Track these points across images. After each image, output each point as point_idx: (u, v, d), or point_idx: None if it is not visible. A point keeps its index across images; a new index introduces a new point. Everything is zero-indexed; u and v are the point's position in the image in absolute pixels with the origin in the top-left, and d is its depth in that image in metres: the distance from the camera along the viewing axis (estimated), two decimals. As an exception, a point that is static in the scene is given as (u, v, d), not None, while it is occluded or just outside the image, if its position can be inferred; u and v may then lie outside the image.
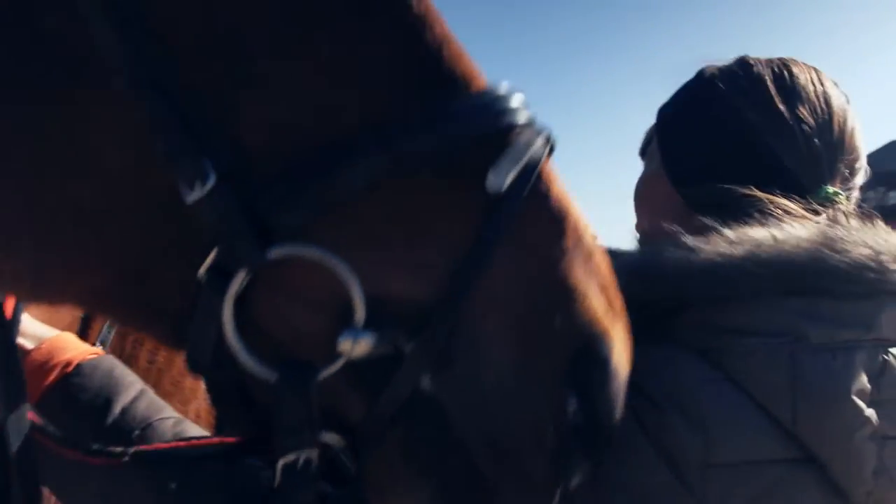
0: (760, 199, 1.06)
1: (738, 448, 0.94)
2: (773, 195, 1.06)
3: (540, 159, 0.77)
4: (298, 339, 0.78)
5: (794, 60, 1.21)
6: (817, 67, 1.21)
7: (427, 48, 0.76)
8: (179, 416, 1.14)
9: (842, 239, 0.99)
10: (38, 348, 1.15)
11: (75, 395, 1.09)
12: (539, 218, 0.77)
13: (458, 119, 0.75)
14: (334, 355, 0.75)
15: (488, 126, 0.76)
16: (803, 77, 1.17)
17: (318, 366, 0.76)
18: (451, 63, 0.77)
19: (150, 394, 1.15)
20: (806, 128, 1.12)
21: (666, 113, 1.28)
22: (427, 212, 0.75)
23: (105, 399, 1.09)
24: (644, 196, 1.31)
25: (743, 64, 1.21)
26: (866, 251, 0.98)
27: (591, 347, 0.76)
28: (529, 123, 0.78)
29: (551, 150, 0.80)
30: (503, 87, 0.79)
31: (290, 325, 0.77)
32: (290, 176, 0.72)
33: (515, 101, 0.78)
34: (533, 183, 0.75)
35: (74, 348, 1.17)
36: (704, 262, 1.00)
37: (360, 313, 0.74)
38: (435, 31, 0.77)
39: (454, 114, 0.75)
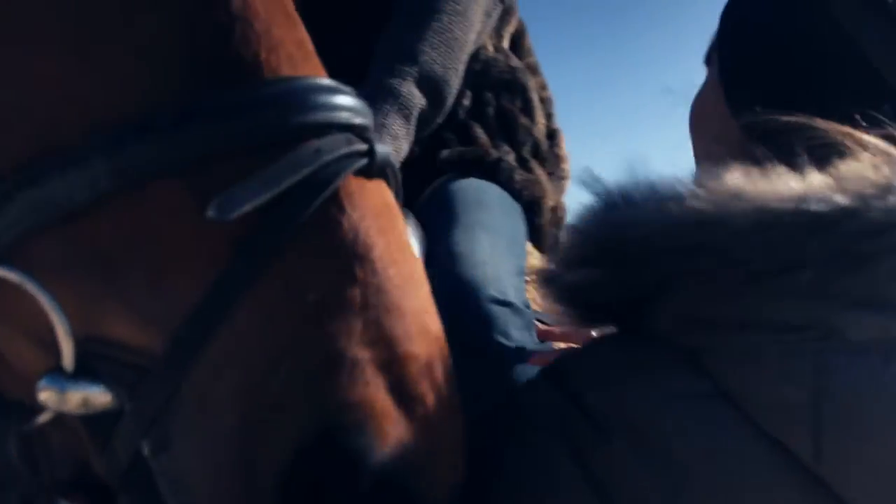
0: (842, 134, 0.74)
1: (727, 496, 0.62)
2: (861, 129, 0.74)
3: (332, 176, 0.57)
4: (13, 377, 0.63)
5: None
6: None
7: (198, 23, 0.58)
8: None
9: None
10: None
11: None
12: (304, 257, 0.56)
13: (218, 118, 0.56)
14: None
15: (258, 128, 0.57)
16: None
17: (30, 413, 0.60)
18: (239, 46, 0.58)
19: None
20: None
21: (733, 17, 0.99)
22: (164, 240, 0.57)
23: None
24: (698, 115, 1.03)
25: None
26: None
27: (332, 440, 0.53)
28: (332, 126, 0.59)
29: (371, 164, 0.61)
30: (320, 80, 0.60)
31: (4, 359, 0.63)
32: None
33: (327, 96, 0.59)
34: (318, 208, 0.56)
35: None
36: (693, 217, 0.66)
37: (66, 357, 0.57)
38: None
39: (215, 110, 0.56)
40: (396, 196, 0.67)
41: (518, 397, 0.83)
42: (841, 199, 0.64)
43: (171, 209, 0.56)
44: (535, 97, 1.68)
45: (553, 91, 1.80)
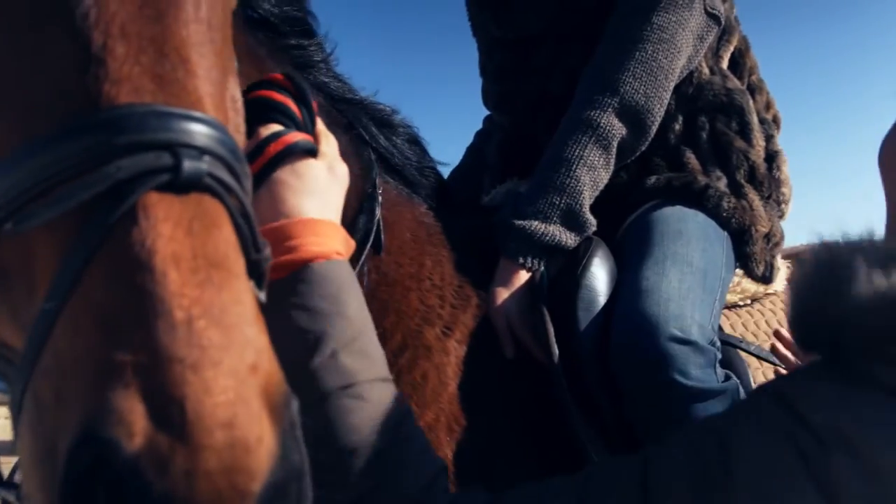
0: None
1: None
2: None
3: (128, 193, 0.60)
4: None
5: None
6: None
7: (54, 65, 0.64)
8: (389, 377, 1.01)
9: None
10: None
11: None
12: (100, 269, 0.60)
13: (51, 146, 0.61)
14: None
15: (78, 153, 0.61)
16: None
17: None
18: (87, 82, 0.63)
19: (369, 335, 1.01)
20: None
21: None
22: (21, 260, 0.64)
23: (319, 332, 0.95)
24: (886, 158, 1.01)
25: None
26: None
27: (88, 441, 0.55)
28: (142, 145, 0.62)
29: (176, 179, 0.62)
30: (144, 106, 0.63)
31: None
32: None
33: (148, 120, 0.63)
34: (117, 223, 0.60)
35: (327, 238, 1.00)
36: None
37: None
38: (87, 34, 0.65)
39: (50, 140, 0.62)
40: (238, 209, 0.68)
41: (741, 414, 0.92)
42: None
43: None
44: (753, 119, 1.62)
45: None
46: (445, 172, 1.63)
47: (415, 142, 1.50)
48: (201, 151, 0.64)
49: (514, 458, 1.29)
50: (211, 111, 0.69)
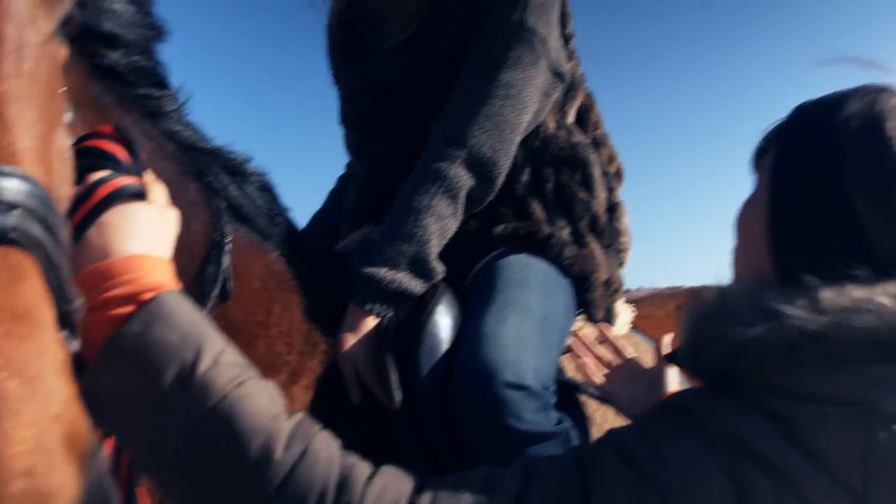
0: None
1: None
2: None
3: None
4: None
5: None
6: None
7: None
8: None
9: None
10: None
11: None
12: None
13: None
14: None
15: None
16: None
17: None
18: None
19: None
20: None
21: (776, 140, 1.11)
22: None
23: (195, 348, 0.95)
24: (742, 223, 1.15)
25: (868, 116, 1.02)
26: None
27: None
28: None
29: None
30: None
31: None
32: None
33: None
34: None
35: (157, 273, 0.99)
36: (788, 333, 0.93)
37: None
38: None
39: None
40: (47, 261, 0.69)
41: (655, 421, 1.04)
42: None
43: None
44: (596, 172, 1.72)
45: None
46: (298, 216, 1.65)
47: (266, 189, 1.51)
48: (9, 206, 0.66)
49: None
50: (28, 164, 0.71)
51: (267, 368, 1.32)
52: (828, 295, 0.93)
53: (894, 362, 0.91)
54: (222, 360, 0.97)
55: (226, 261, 1.30)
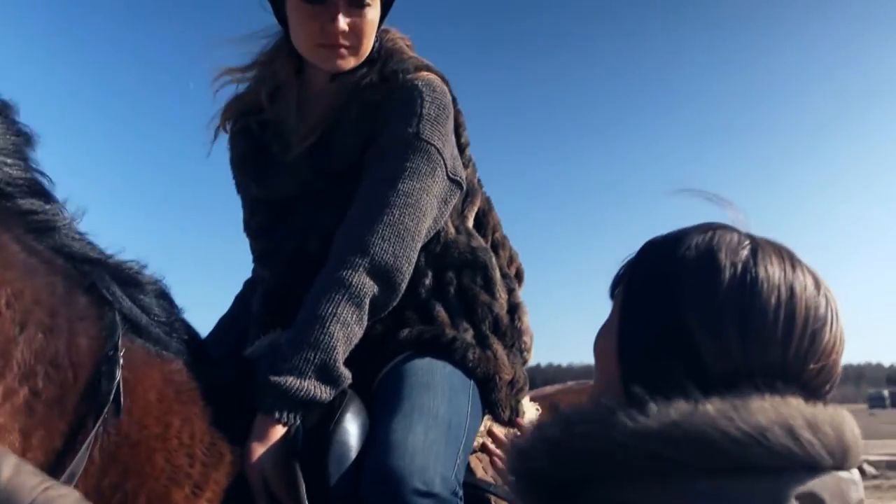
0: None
1: None
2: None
3: None
4: None
5: (767, 244, 1.09)
6: (792, 254, 1.09)
7: None
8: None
9: (744, 407, 0.94)
10: None
11: None
12: None
13: None
14: None
15: None
16: (768, 270, 1.05)
17: None
18: None
19: None
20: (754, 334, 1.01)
21: (627, 272, 1.18)
22: None
23: None
24: (598, 347, 1.20)
25: (704, 251, 1.08)
26: (771, 416, 0.93)
27: None
28: None
29: None
30: None
31: None
32: None
33: None
34: None
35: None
36: (616, 439, 0.95)
37: None
38: None
39: None
40: None
41: None
42: (712, 417, 0.93)
43: None
44: (496, 274, 1.78)
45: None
46: (206, 320, 1.64)
47: (163, 296, 1.51)
48: None
49: None
50: None
51: (168, 482, 1.30)
52: (657, 405, 0.95)
53: (717, 475, 0.92)
54: (24, 469, 1.01)
55: (118, 374, 1.29)
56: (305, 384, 1.43)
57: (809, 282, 1.05)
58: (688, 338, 1.03)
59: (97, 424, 1.25)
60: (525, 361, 1.82)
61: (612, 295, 1.20)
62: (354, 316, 1.51)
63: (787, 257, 1.07)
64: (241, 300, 2.04)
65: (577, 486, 0.99)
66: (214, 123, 1.88)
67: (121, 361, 1.31)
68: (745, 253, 1.06)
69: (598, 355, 1.20)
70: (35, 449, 1.21)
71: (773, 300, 1.02)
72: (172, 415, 1.38)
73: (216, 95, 1.87)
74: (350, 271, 1.52)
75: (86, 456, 1.23)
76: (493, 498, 1.63)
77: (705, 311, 1.03)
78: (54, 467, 1.21)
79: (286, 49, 1.78)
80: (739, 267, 1.05)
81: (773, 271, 1.04)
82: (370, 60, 1.75)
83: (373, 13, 1.68)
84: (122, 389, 1.29)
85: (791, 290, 1.03)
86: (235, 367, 1.64)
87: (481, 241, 1.83)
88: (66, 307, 1.29)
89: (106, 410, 1.26)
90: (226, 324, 1.98)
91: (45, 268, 1.29)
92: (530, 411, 1.84)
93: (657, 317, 1.07)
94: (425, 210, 1.63)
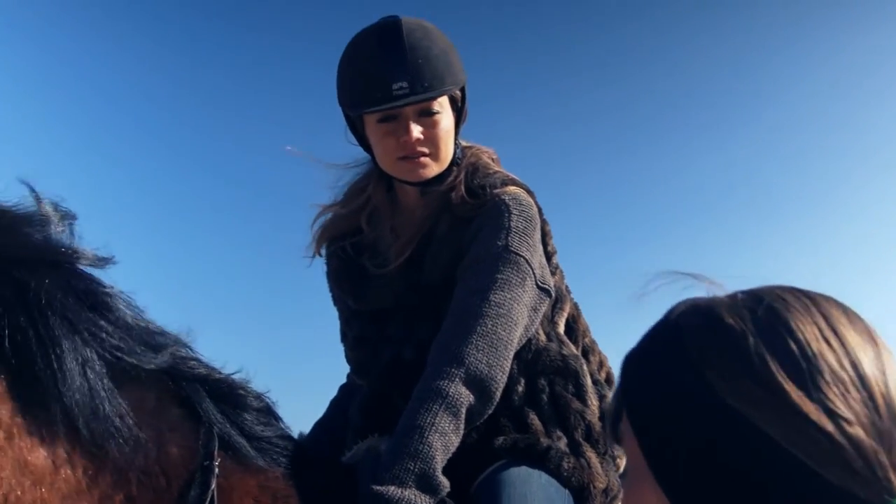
0: None
1: None
2: None
3: None
4: None
5: (781, 293, 0.86)
6: (821, 303, 0.85)
7: None
8: None
9: None
10: None
11: None
12: None
13: None
14: None
15: None
16: (806, 332, 0.81)
17: None
18: None
19: None
20: (842, 416, 0.76)
21: (632, 386, 0.93)
22: None
23: None
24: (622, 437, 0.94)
25: (712, 318, 0.86)
26: None
27: None
28: None
29: None
30: None
31: None
32: None
33: None
34: None
35: None
36: None
37: None
38: None
39: None
40: None
41: None
42: None
43: None
44: (587, 381, 1.81)
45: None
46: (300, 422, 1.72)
47: (267, 411, 1.60)
48: None
49: None
50: None
51: None
52: None
53: None
54: None
55: (212, 482, 1.37)
56: (406, 493, 1.46)
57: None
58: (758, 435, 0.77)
59: None
60: (619, 469, 1.83)
61: (615, 440, 0.96)
62: (452, 425, 1.55)
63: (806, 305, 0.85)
64: (336, 404, 2.11)
65: None
66: (311, 250, 2.01)
67: (216, 470, 1.39)
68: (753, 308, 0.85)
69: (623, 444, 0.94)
70: None
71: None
72: None
73: (315, 228, 2.01)
74: (446, 381, 1.58)
75: None
76: None
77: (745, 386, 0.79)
78: None
79: (377, 174, 1.90)
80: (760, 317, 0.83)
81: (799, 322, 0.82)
82: (454, 166, 1.84)
83: (445, 119, 1.79)
84: (216, 495, 1.37)
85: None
86: (333, 473, 1.70)
87: (572, 347, 1.87)
88: (154, 419, 1.38)
89: None
90: (321, 429, 2.04)
91: (135, 384, 1.38)
92: (624, 518, 1.84)
93: (690, 413, 0.82)
94: (517, 319, 1.68)
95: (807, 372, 0.78)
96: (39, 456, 1.20)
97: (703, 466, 0.81)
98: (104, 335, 1.32)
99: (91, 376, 1.27)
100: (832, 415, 0.76)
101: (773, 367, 0.79)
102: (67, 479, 1.23)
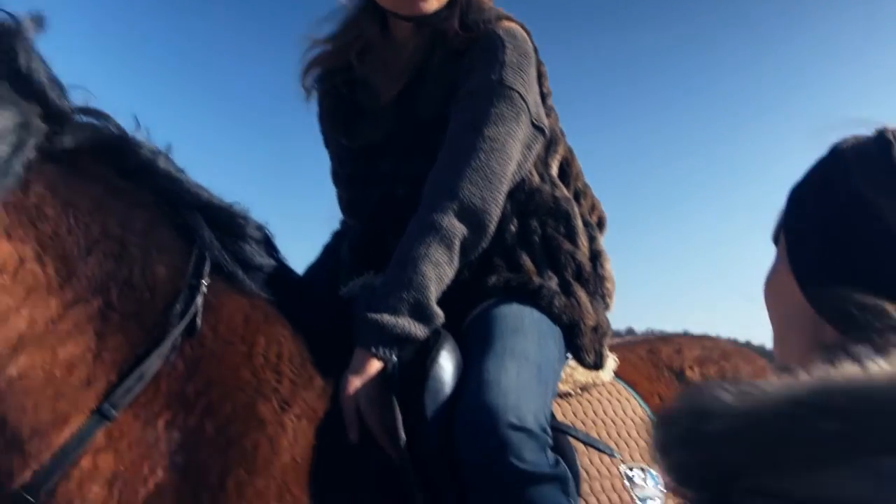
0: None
1: None
2: None
3: None
4: None
5: None
6: None
7: None
8: None
9: None
10: None
11: None
12: None
13: None
14: None
15: None
16: None
17: None
18: None
19: None
20: None
21: (794, 195, 1.02)
22: None
23: None
24: (770, 295, 1.05)
25: (881, 142, 0.92)
26: None
27: None
28: None
29: None
30: None
31: None
32: None
33: None
34: None
35: None
36: (767, 418, 0.72)
37: None
38: None
39: None
40: None
41: None
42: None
43: None
44: (578, 223, 1.81)
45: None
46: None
47: (266, 242, 1.61)
48: None
49: None
50: None
51: (254, 394, 1.39)
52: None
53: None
54: None
55: (198, 300, 1.40)
56: (400, 321, 1.48)
57: None
58: (869, 208, 0.87)
59: (173, 335, 1.36)
60: (607, 307, 1.85)
61: (777, 240, 1.05)
62: (445, 257, 1.56)
63: None
64: (328, 250, 2.10)
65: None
66: (303, 84, 1.95)
67: (203, 289, 1.42)
68: None
69: (770, 302, 1.04)
70: (112, 350, 1.33)
71: None
72: (259, 334, 1.47)
73: (304, 60, 1.93)
74: (440, 214, 1.57)
75: (157, 362, 1.34)
76: (571, 439, 1.68)
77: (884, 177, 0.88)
78: (133, 366, 1.33)
79: (371, 8, 1.82)
80: None
81: None
82: (450, 4, 1.76)
83: None
84: (201, 309, 1.40)
85: None
86: (329, 305, 1.72)
87: (564, 190, 1.85)
88: (141, 239, 1.41)
89: (180, 330, 1.37)
90: (314, 271, 2.04)
91: (124, 205, 1.42)
92: (611, 359, 1.88)
93: (829, 201, 0.93)
94: (511, 154, 1.66)
95: None
96: (4, 250, 1.25)
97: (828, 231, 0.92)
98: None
99: None
100: None
101: None
102: (35, 274, 1.28)
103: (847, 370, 0.72)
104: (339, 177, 1.95)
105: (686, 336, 2.31)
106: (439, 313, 1.54)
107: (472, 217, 1.60)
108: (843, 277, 0.88)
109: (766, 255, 1.07)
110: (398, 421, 1.41)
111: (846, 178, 0.92)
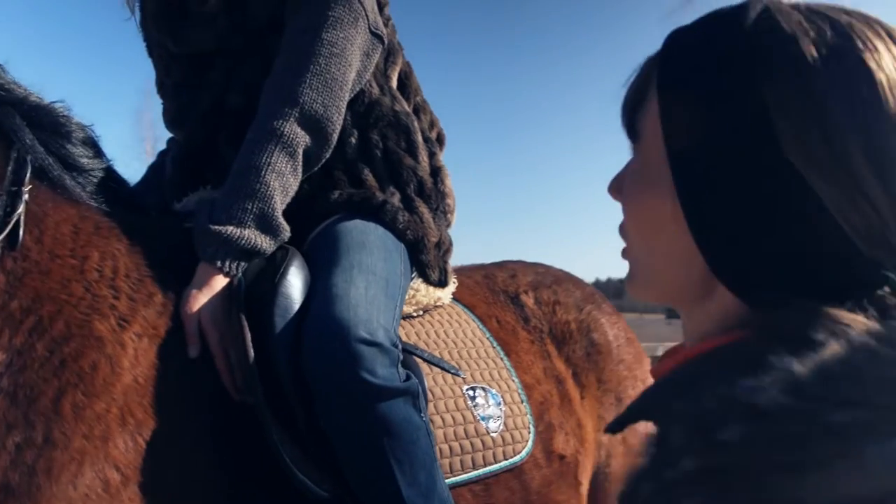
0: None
1: None
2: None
3: None
4: None
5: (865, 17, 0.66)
6: None
7: None
8: None
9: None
10: None
11: None
12: None
13: None
14: None
15: None
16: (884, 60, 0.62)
17: None
18: None
19: None
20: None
21: (674, 57, 0.72)
22: None
23: None
24: (634, 210, 0.77)
25: (770, 22, 0.65)
26: None
27: None
28: None
29: None
30: None
31: None
32: None
33: None
34: None
35: None
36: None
37: None
38: None
39: None
40: None
41: None
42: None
43: None
44: (418, 138, 1.77)
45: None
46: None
47: (90, 143, 1.46)
48: None
49: (197, 458, 1.29)
50: None
51: (89, 311, 1.28)
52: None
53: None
54: None
55: (20, 209, 1.27)
56: (246, 233, 1.40)
57: None
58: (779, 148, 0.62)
59: None
60: (449, 224, 1.83)
61: (630, 125, 0.77)
62: (289, 166, 1.48)
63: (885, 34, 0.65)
64: (155, 168, 1.95)
65: None
66: None
67: (24, 196, 1.28)
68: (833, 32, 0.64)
69: (634, 220, 0.76)
70: None
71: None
72: (91, 247, 1.35)
73: None
74: (281, 121, 1.49)
75: None
76: (416, 359, 1.65)
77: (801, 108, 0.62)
78: None
79: None
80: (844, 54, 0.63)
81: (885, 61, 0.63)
82: None
83: None
84: (25, 219, 1.27)
85: None
86: (164, 218, 1.60)
87: (404, 104, 1.81)
88: None
89: (3, 236, 1.24)
90: (141, 189, 1.87)
91: None
92: (452, 280, 1.87)
93: (732, 107, 0.65)
94: (350, 60, 1.59)
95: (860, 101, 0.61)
96: None
97: (737, 186, 0.65)
98: None
99: None
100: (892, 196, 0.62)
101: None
102: None
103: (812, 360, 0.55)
104: (164, 87, 1.80)
105: (520, 262, 2.34)
106: (285, 226, 1.46)
107: (315, 124, 1.52)
108: (764, 260, 0.65)
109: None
110: (247, 337, 1.33)
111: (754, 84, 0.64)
